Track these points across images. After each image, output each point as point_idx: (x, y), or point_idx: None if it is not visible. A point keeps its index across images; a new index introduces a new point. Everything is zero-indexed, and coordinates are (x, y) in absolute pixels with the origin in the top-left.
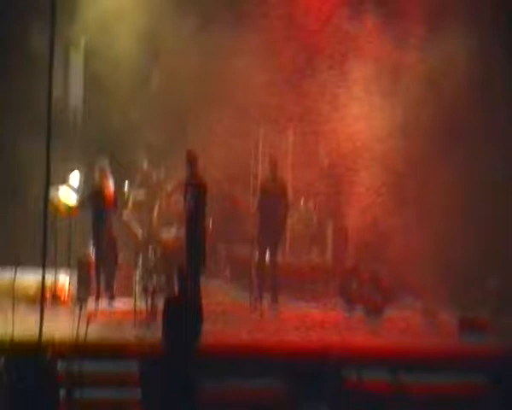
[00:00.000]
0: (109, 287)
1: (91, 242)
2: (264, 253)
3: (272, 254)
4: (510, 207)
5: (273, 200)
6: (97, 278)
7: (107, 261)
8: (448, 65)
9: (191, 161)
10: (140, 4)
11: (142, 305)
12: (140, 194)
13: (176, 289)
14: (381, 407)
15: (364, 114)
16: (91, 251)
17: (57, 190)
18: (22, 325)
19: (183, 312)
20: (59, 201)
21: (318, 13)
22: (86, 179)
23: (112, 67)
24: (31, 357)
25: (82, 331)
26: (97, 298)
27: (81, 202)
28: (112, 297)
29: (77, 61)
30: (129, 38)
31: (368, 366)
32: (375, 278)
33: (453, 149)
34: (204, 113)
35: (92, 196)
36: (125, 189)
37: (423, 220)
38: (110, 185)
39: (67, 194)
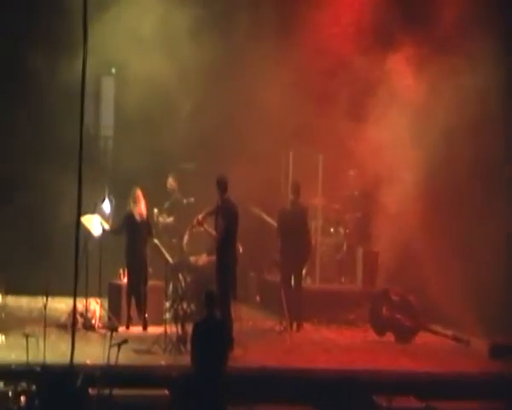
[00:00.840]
0: (141, 313)
1: (124, 267)
2: (289, 278)
3: (297, 280)
4: None
5: (294, 225)
6: (129, 304)
7: (139, 288)
8: None
9: (222, 186)
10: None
11: (172, 331)
12: (170, 220)
13: (205, 314)
14: None
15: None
16: (122, 277)
17: (89, 217)
18: (54, 352)
19: (211, 336)
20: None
21: None
22: (117, 207)
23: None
24: (62, 383)
25: (113, 357)
26: (128, 324)
27: (118, 228)
28: (144, 323)
29: (108, 89)
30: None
31: (398, 389)
32: (406, 302)
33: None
34: (235, 139)
35: (126, 222)
36: (155, 215)
37: (454, 246)
38: (144, 211)
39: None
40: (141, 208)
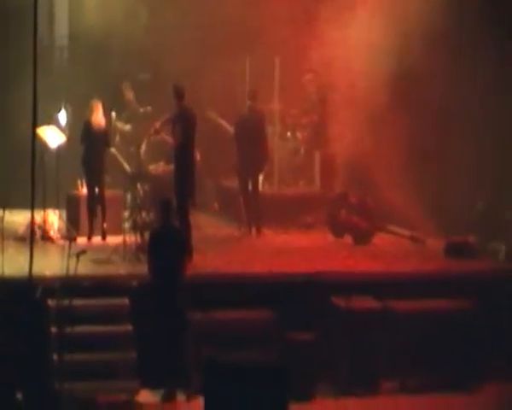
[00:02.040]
0: (101, 223)
1: (82, 178)
2: (247, 184)
3: (254, 185)
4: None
5: (251, 131)
6: (90, 215)
7: (97, 197)
8: None
9: (178, 94)
10: None
11: (132, 240)
12: (127, 129)
13: (161, 222)
14: (368, 326)
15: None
16: (81, 188)
17: (45, 129)
18: (12, 265)
19: (167, 244)
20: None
21: None
22: (74, 117)
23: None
24: (22, 295)
25: (72, 268)
26: (90, 235)
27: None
28: (103, 233)
29: None
30: None
31: (357, 290)
32: (363, 204)
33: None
34: (191, 45)
35: (84, 132)
36: (113, 119)
37: (413, 147)
38: (101, 121)
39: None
40: (98, 118)
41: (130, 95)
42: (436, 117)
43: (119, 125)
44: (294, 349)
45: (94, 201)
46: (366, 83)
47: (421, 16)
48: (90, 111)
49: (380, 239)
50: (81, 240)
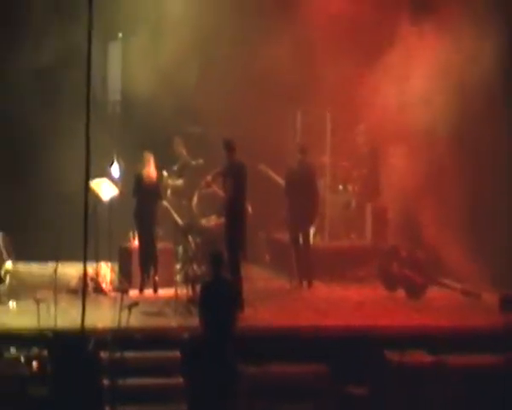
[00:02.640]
0: (152, 276)
1: (134, 231)
2: (298, 237)
3: (305, 238)
4: None
5: (301, 184)
6: (142, 267)
7: (150, 250)
8: None
9: (229, 147)
10: None
11: (183, 293)
12: (179, 184)
13: (212, 275)
14: (421, 381)
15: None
16: (133, 240)
17: (98, 182)
18: (65, 317)
19: (218, 297)
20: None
21: None
22: (126, 172)
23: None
24: (74, 347)
25: (124, 320)
26: (142, 288)
27: (132, 192)
28: (155, 286)
29: (115, 54)
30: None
31: (410, 345)
32: (415, 257)
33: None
34: (242, 100)
35: (136, 185)
36: (165, 178)
37: (464, 200)
38: (153, 174)
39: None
40: (150, 171)
41: (181, 150)
42: (490, 171)
43: (171, 181)
44: (348, 404)
45: (146, 253)
46: (420, 136)
47: (477, 71)
48: (143, 164)
49: (433, 293)
50: (133, 292)
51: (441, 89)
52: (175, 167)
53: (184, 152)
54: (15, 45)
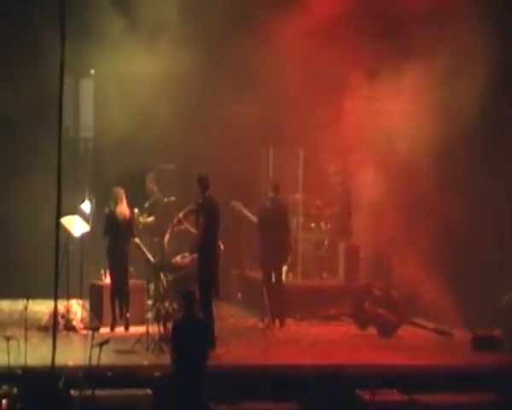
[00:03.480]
0: (123, 313)
1: (105, 268)
2: (270, 275)
3: (277, 276)
4: None
5: (274, 222)
6: (113, 305)
7: (121, 288)
8: None
9: (203, 184)
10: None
11: (155, 330)
12: (150, 219)
13: (184, 313)
14: None
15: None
16: (104, 277)
17: (69, 219)
18: (35, 354)
19: (190, 335)
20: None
21: None
22: (98, 207)
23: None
24: (44, 385)
25: (95, 358)
26: (113, 326)
27: (103, 229)
28: (126, 323)
29: (87, 91)
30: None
31: (381, 383)
32: (388, 296)
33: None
34: (214, 136)
35: (108, 222)
36: (136, 215)
37: (436, 240)
38: (126, 211)
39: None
40: (123, 208)
41: (153, 186)
42: (465, 209)
43: (142, 219)
44: None
45: (118, 291)
46: (393, 174)
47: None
48: (114, 201)
49: (405, 331)
50: (104, 330)
51: (417, 125)
52: (146, 204)
53: (156, 189)
54: None
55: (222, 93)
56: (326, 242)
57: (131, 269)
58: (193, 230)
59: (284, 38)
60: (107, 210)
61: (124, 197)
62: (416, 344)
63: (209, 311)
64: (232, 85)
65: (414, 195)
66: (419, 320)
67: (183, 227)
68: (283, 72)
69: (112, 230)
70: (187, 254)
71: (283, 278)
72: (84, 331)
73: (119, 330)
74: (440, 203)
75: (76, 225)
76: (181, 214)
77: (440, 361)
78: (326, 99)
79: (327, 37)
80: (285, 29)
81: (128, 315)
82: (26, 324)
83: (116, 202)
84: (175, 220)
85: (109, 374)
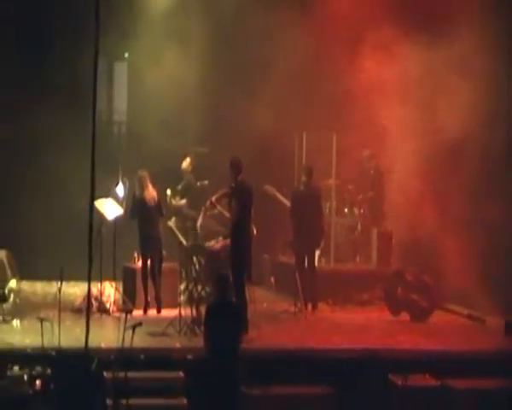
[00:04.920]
0: (156, 296)
1: (138, 251)
2: (303, 259)
3: (310, 261)
4: None
5: (307, 207)
6: (145, 288)
7: (154, 271)
8: None
9: (236, 168)
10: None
11: (187, 314)
12: (183, 204)
13: (217, 296)
14: (426, 404)
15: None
16: (137, 261)
17: (103, 202)
18: (69, 336)
19: (223, 318)
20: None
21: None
22: (131, 190)
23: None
24: (77, 367)
25: (128, 340)
26: (146, 309)
27: (130, 213)
28: (159, 306)
29: (121, 74)
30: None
31: (414, 368)
32: (421, 281)
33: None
34: (249, 120)
35: (137, 207)
36: (168, 197)
37: (471, 224)
38: (154, 192)
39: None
40: (150, 191)
41: (187, 168)
42: (499, 195)
43: (174, 202)
44: None
45: (152, 273)
46: (425, 159)
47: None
48: (141, 185)
49: (438, 317)
50: (137, 312)
51: (445, 112)
52: (179, 187)
53: (190, 170)
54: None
55: (255, 78)
56: (359, 227)
57: (164, 252)
58: (226, 213)
59: (317, 24)
60: (136, 193)
61: (148, 180)
62: (449, 330)
63: (242, 295)
64: (265, 70)
65: (450, 181)
66: (452, 306)
67: (215, 211)
68: (316, 58)
69: (142, 214)
70: (220, 237)
71: (316, 262)
72: (117, 314)
73: (152, 312)
74: (473, 187)
75: (109, 208)
76: (214, 198)
77: (473, 347)
78: (358, 84)
79: (361, 22)
80: (319, 14)
81: (161, 298)
82: (60, 306)
83: (142, 186)
84: (207, 203)
85: (142, 356)
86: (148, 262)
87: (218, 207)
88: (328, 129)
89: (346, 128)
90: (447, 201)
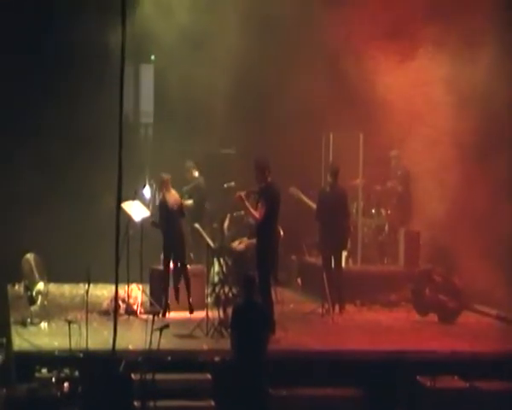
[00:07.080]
0: (187, 298)
1: (163, 252)
2: (330, 260)
3: (337, 262)
4: None
5: (333, 208)
6: (166, 290)
7: (179, 273)
8: None
9: (260, 168)
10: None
11: (214, 315)
12: (189, 204)
13: (244, 298)
14: (454, 406)
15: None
16: (163, 262)
17: (130, 204)
18: (96, 338)
19: (250, 320)
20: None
21: None
22: (158, 192)
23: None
24: (105, 369)
25: (155, 342)
26: (165, 311)
27: (159, 219)
28: (190, 307)
29: (147, 76)
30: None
31: (442, 369)
32: (449, 282)
33: None
34: (275, 121)
35: (162, 210)
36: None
37: (499, 226)
38: (176, 194)
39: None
40: (173, 194)
41: (193, 173)
42: None
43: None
44: None
45: (175, 275)
46: (454, 161)
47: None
48: (165, 188)
49: (466, 318)
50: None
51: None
52: (187, 188)
53: (197, 175)
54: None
55: (281, 78)
56: (386, 227)
57: (191, 254)
58: (252, 210)
59: (347, 24)
60: (159, 199)
61: (170, 183)
62: (477, 331)
63: (268, 296)
64: (290, 70)
65: (476, 182)
66: (480, 307)
67: (242, 212)
68: (343, 57)
69: (165, 217)
70: (245, 238)
71: (343, 263)
72: (145, 316)
73: (180, 314)
74: (501, 188)
75: (136, 210)
76: (243, 193)
77: (502, 348)
78: (385, 83)
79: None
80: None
81: (191, 299)
82: (88, 308)
83: (167, 189)
84: (236, 196)
85: (169, 358)
86: (171, 265)
87: (246, 203)
88: (354, 128)
89: (373, 128)
90: (474, 201)
